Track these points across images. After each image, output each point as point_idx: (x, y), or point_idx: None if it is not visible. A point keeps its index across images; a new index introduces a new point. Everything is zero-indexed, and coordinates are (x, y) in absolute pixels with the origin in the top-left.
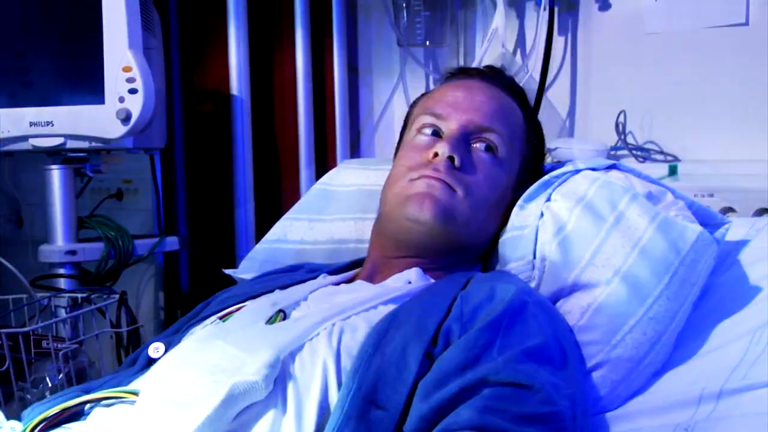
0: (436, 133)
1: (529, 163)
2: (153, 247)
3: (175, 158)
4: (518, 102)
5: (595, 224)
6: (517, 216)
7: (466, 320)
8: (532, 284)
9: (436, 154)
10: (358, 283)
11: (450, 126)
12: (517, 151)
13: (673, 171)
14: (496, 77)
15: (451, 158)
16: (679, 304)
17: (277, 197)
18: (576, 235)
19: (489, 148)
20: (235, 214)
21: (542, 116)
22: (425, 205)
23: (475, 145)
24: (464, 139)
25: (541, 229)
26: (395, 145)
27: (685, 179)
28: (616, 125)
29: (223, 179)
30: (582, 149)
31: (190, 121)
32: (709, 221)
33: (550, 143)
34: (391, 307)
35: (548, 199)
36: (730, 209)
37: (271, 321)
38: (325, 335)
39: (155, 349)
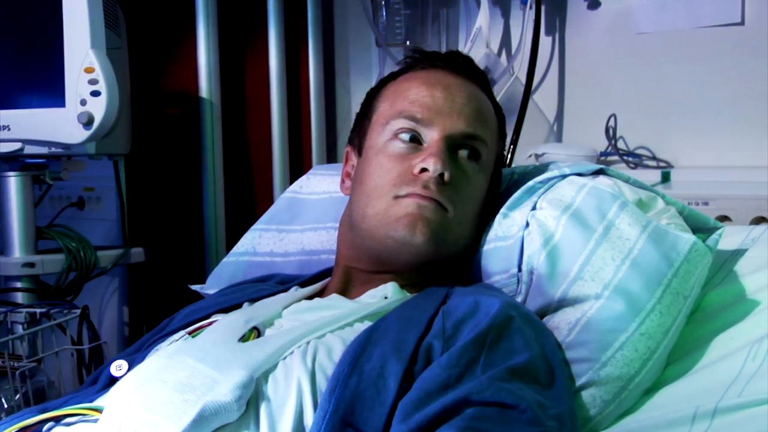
0: (415, 139)
1: (500, 159)
2: (117, 259)
3: (141, 164)
4: (487, 92)
5: (583, 235)
6: (500, 225)
7: (448, 336)
8: (518, 299)
9: (424, 170)
10: (333, 297)
11: (433, 135)
12: (493, 149)
13: (665, 178)
14: (464, 66)
15: (441, 175)
16: (672, 318)
17: (249, 205)
18: (564, 247)
19: (473, 156)
20: (204, 224)
21: (529, 120)
22: (418, 228)
23: (459, 153)
24: (450, 149)
25: (527, 240)
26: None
27: (678, 186)
28: (606, 130)
29: (191, 187)
30: (570, 155)
31: (157, 125)
32: (701, 226)
33: (537, 149)
34: (367, 323)
35: (533, 207)
36: (726, 218)
37: (244, 339)
38: (300, 354)
39: (117, 367)
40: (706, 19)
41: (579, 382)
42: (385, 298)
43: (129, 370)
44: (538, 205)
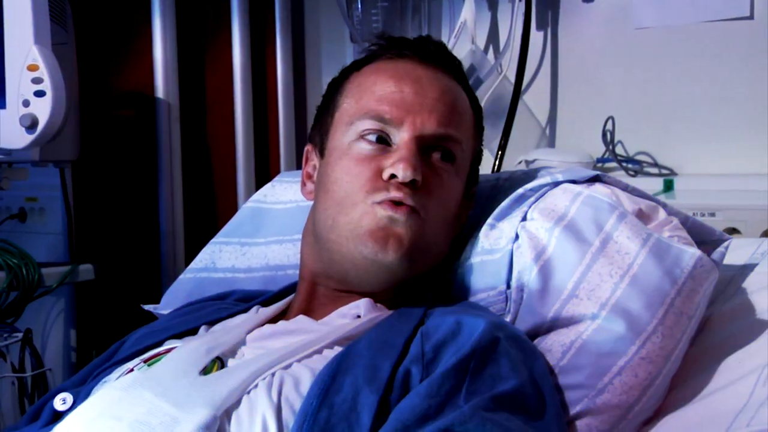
0: (382, 139)
1: (477, 157)
2: (63, 277)
3: (90, 172)
4: (461, 82)
5: (578, 249)
6: (486, 237)
7: (428, 360)
8: (507, 318)
9: (393, 176)
10: (299, 320)
11: (402, 135)
12: (469, 148)
13: (668, 186)
14: (435, 55)
15: (413, 182)
16: (675, 340)
17: (210, 217)
18: (557, 262)
19: (446, 157)
20: (160, 238)
21: (518, 123)
22: (390, 244)
23: (432, 155)
24: (421, 152)
25: (516, 254)
26: None
27: (682, 196)
28: (604, 134)
29: (146, 197)
30: (564, 161)
31: (108, 128)
32: (706, 238)
33: (527, 155)
34: (338, 349)
35: (524, 218)
36: (735, 230)
37: (206, 370)
38: (264, 387)
39: (62, 400)
40: (712, 13)
41: (573, 411)
42: (358, 317)
43: (75, 403)
44: (528, 216)
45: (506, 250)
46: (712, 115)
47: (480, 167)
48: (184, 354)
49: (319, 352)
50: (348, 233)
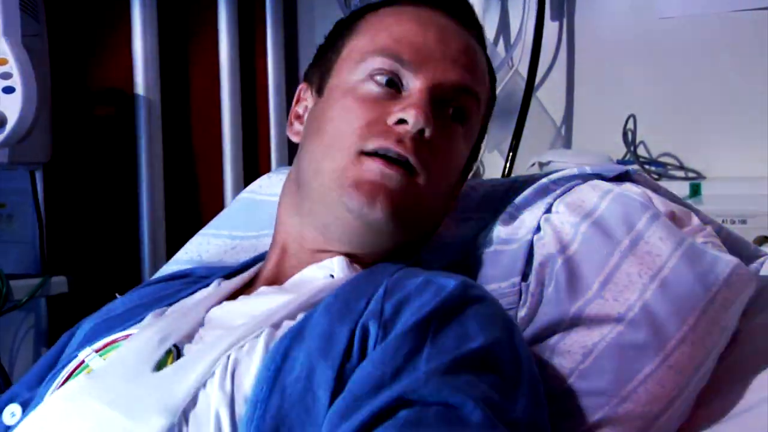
0: (393, 83)
1: (486, 123)
2: (34, 290)
3: (63, 176)
4: (479, 40)
5: (606, 246)
6: (505, 226)
7: (386, 319)
8: (521, 312)
9: (401, 121)
10: (261, 291)
11: (417, 82)
12: (481, 114)
13: (695, 191)
14: (461, 10)
15: (421, 131)
16: (706, 351)
17: (194, 224)
18: (582, 258)
19: (460, 116)
20: (140, 247)
21: (531, 122)
22: (378, 200)
23: (445, 110)
24: (435, 104)
25: (538, 246)
26: None
27: (710, 201)
28: (624, 133)
29: (125, 202)
30: (581, 163)
31: (84, 128)
32: (740, 252)
33: (541, 156)
34: (302, 317)
35: (547, 210)
36: (767, 239)
37: (160, 364)
38: (220, 376)
39: (11, 413)
40: (743, 1)
41: (593, 419)
42: (331, 276)
43: (25, 413)
44: (553, 208)
45: (524, 241)
46: (742, 113)
47: (487, 171)
48: (135, 347)
49: (278, 324)
50: (331, 182)
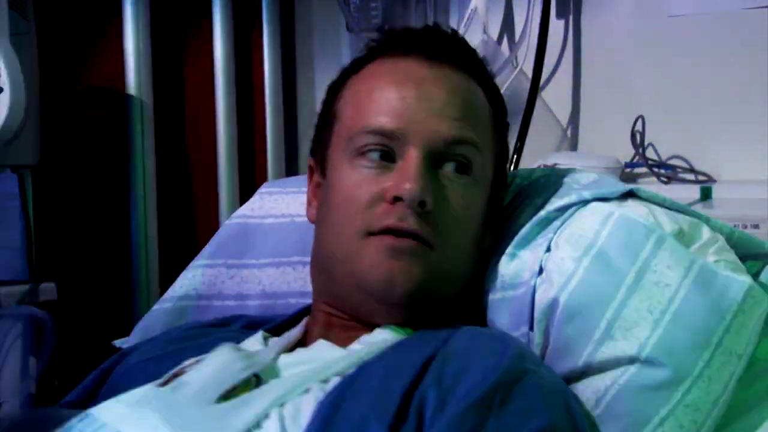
0: (387, 156)
1: (501, 159)
2: (21, 297)
3: (53, 179)
4: (477, 77)
5: (611, 281)
6: (507, 268)
7: (446, 386)
8: None
9: (397, 199)
10: (319, 344)
11: (407, 149)
12: (489, 151)
13: (706, 195)
14: (442, 51)
15: (421, 203)
16: (724, 384)
17: (188, 229)
18: (587, 297)
19: (461, 167)
20: (132, 252)
21: (536, 123)
22: (397, 279)
23: (444, 167)
24: (431, 167)
25: (540, 290)
26: None
27: (721, 206)
28: (633, 135)
29: (116, 206)
30: (588, 167)
31: (73, 129)
32: (756, 252)
33: (546, 158)
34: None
35: (548, 249)
36: None
37: (234, 392)
38: (276, 419)
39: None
40: None
41: None
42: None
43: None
44: (553, 244)
45: (529, 285)
46: (754, 114)
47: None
48: (203, 375)
49: (325, 381)
50: (346, 271)
